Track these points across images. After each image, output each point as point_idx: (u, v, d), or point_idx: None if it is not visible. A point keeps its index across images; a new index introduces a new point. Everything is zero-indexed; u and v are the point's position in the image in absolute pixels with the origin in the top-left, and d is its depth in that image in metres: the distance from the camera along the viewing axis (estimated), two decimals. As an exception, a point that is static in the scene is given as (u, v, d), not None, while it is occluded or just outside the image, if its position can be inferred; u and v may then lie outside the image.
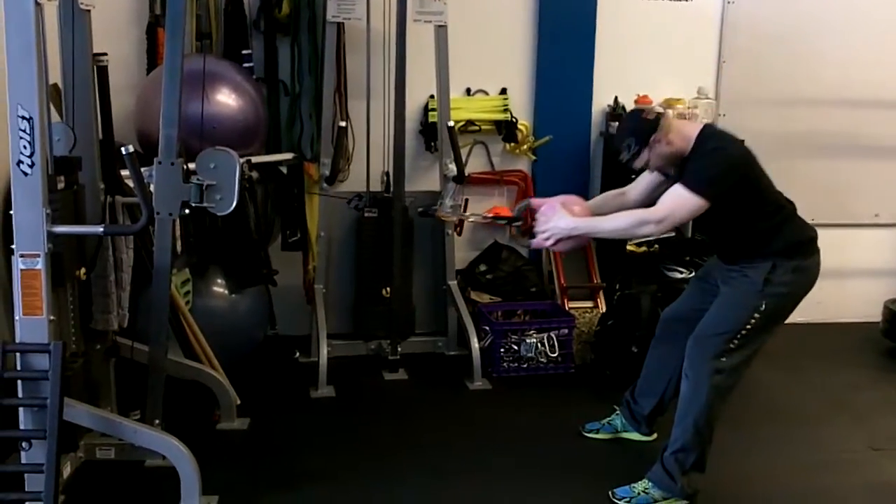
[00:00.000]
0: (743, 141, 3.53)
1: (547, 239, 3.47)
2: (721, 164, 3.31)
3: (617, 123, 5.33)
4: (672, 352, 3.75)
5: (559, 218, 3.46)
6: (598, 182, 5.54)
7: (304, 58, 5.03)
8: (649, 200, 3.53)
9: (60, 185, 3.21)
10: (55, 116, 3.57)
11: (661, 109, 3.39)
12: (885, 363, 5.39)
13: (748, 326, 3.35)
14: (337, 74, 4.90)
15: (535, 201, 3.72)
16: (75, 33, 3.47)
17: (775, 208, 3.44)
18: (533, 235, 3.59)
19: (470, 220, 3.70)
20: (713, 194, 3.26)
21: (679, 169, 3.41)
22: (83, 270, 3.47)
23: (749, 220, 3.40)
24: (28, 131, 2.89)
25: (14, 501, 3.04)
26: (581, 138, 5.53)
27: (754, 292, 3.35)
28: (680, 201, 3.28)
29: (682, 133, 3.40)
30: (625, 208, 3.56)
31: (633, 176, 5.15)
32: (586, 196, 5.49)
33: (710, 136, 3.40)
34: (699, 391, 3.41)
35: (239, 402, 4.14)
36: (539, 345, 4.93)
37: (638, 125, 3.46)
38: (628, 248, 5.34)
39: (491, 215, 3.73)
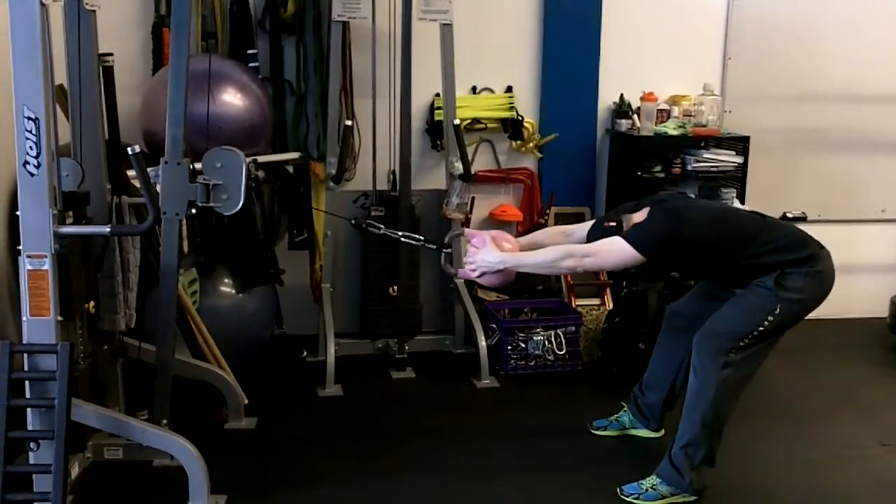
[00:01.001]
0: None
1: (473, 270, 3.50)
2: (656, 228, 3.35)
3: (624, 121, 5.34)
4: (679, 345, 3.76)
5: (486, 252, 3.47)
6: (605, 179, 5.55)
7: (309, 57, 5.04)
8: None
9: (69, 221, 3.19)
10: (61, 117, 3.57)
11: (621, 216, 3.46)
12: (892, 358, 5.37)
13: (760, 328, 3.34)
14: (342, 73, 4.90)
15: (468, 232, 3.73)
16: (81, 34, 3.47)
17: (740, 247, 3.40)
18: (461, 266, 3.62)
19: (402, 240, 3.75)
20: (646, 250, 3.30)
21: None
22: (92, 304, 3.49)
23: (724, 265, 3.43)
24: (34, 132, 2.90)
25: (22, 502, 3.05)
26: (587, 136, 5.53)
27: (770, 296, 3.33)
28: (612, 246, 3.34)
29: (634, 221, 3.45)
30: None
31: (640, 173, 5.18)
32: (592, 195, 5.57)
33: (656, 208, 3.45)
34: (707, 386, 3.41)
35: (246, 401, 4.15)
36: (546, 342, 4.92)
37: (602, 235, 3.47)
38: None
39: (422, 238, 3.78)
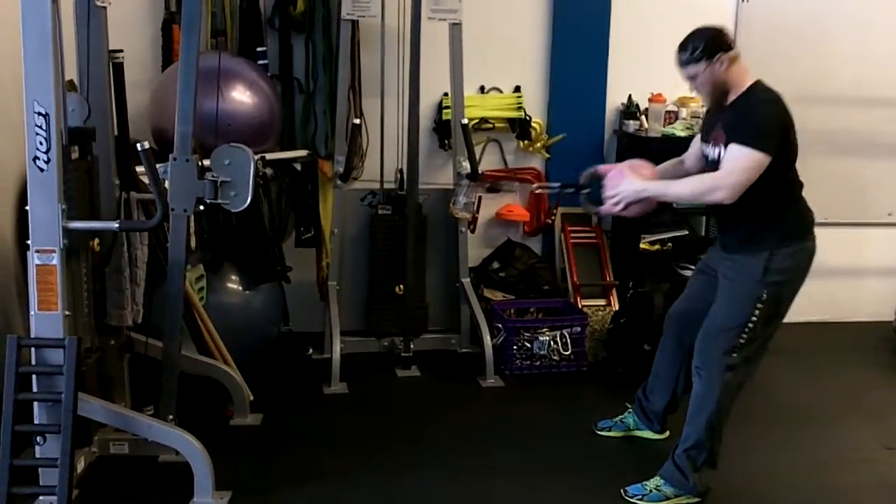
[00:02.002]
0: None
1: (616, 203, 3.45)
2: (775, 118, 3.29)
3: (631, 122, 5.34)
4: (680, 348, 3.76)
5: (628, 182, 3.43)
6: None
7: (318, 55, 5.05)
8: (701, 169, 3.51)
9: (74, 156, 3.23)
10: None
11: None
12: (898, 362, 5.37)
13: (753, 318, 3.34)
14: (351, 72, 4.90)
15: (602, 168, 3.67)
16: (91, 30, 3.49)
17: (793, 181, 3.41)
18: (601, 202, 3.57)
19: (537, 191, 3.71)
20: (772, 147, 3.22)
21: (715, 102, 3.45)
22: (97, 241, 3.49)
23: (768, 188, 3.31)
24: (44, 127, 2.92)
25: (28, 495, 3.07)
26: (595, 136, 5.53)
27: (754, 282, 3.33)
28: (743, 161, 3.21)
29: (742, 72, 3.40)
30: (684, 177, 3.51)
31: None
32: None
33: (763, 90, 3.38)
34: (711, 389, 3.41)
35: (252, 398, 4.16)
36: (552, 342, 4.93)
37: (715, 36, 3.43)
38: (641, 246, 5.34)
39: (558, 185, 3.71)
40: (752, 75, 3.43)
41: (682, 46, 3.47)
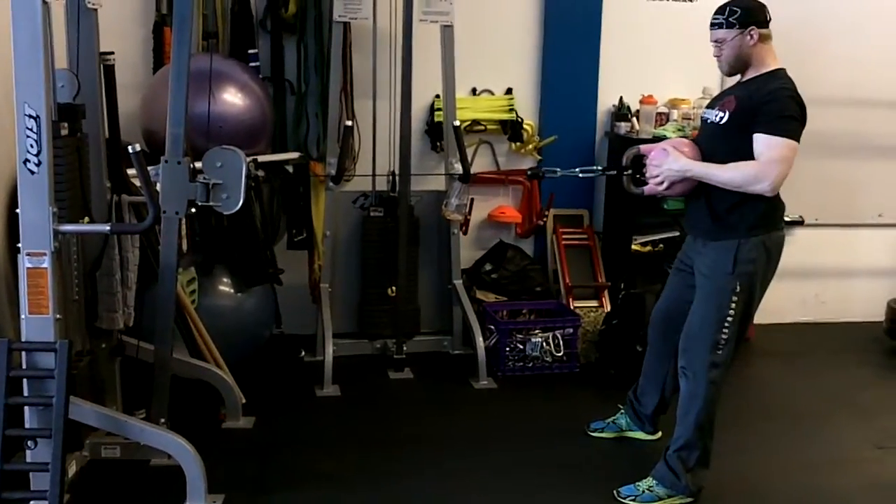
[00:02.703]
0: None
1: (660, 183, 3.45)
2: (797, 106, 3.30)
3: (623, 124, 5.34)
4: (666, 348, 3.77)
5: (672, 160, 3.42)
6: (603, 181, 5.55)
7: (310, 57, 5.05)
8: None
9: (64, 132, 3.22)
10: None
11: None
12: (888, 362, 5.38)
13: (731, 311, 3.36)
14: (343, 74, 4.90)
15: (644, 147, 3.66)
16: (82, 32, 3.48)
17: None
18: (644, 182, 3.57)
19: (580, 175, 3.70)
20: (799, 133, 3.25)
21: (736, 73, 3.48)
22: (87, 219, 3.47)
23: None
24: (35, 130, 2.90)
25: (19, 500, 3.04)
26: (586, 138, 5.54)
27: (726, 276, 3.35)
28: (780, 150, 3.23)
29: (769, 53, 3.43)
30: None
31: (639, 176, 5.16)
32: (590, 197, 5.58)
33: (786, 78, 3.41)
34: (698, 388, 3.43)
35: (244, 400, 4.15)
36: (544, 344, 4.93)
37: (754, 7, 3.43)
38: (633, 247, 5.35)
39: (600, 168, 3.71)
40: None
41: (720, 9, 3.47)
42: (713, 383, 3.42)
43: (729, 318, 3.37)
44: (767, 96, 3.31)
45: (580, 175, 3.75)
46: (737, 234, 3.35)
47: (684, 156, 3.45)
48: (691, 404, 3.45)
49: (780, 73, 3.41)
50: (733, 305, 3.36)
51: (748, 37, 3.38)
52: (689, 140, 3.64)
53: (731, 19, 3.40)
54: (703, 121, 3.57)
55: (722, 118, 3.38)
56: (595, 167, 3.71)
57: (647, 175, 3.53)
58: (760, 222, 3.37)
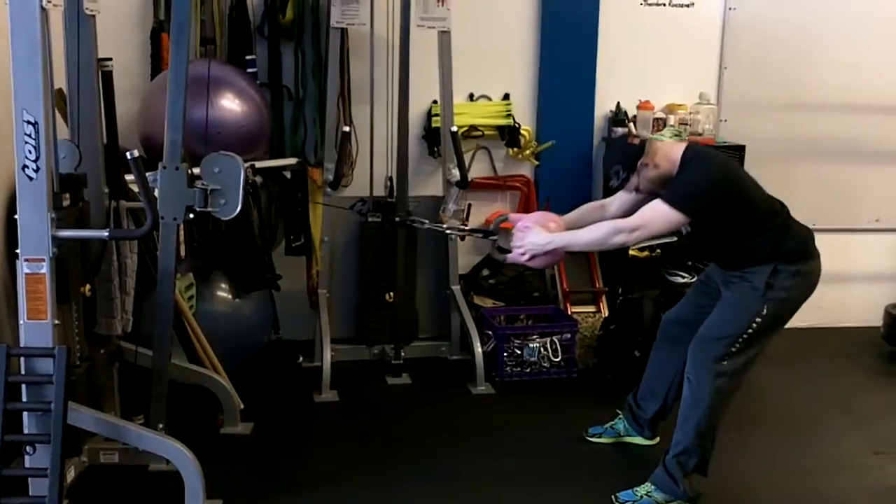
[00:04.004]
0: (729, 156, 3.54)
1: (522, 254, 3.51)
2: (700, 182, 3.34)
3: (620, 129, 5.36)
4: (673, 355, 3.77)
5: (534, 234, 3.49)
6: (601, 187, 5.54)
7: (307, 63, 5.04)
8: (629, 213, 3.54)
9: (66, 203, 3.22)
10: (60, 122, 3.57)
11: (646, 135, 3.46)
12: (886, 367, 5.39)
13: (749, 330, 3.36)
14: (340, 80, 4.91)
15: (512, 216, 3.75)
16: (80, 38, 3.48)
17: (766, 219, 3.44)
18: (509, 250, 3.63)
19: (447, 231, 3.77)
20: (691, 209, 3.30)
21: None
22: (87, 287, 3.48)
23: (741, 233, 3.42)
24: (33, 136, 2.90)
25: (18, 505, 3.05)
26: (584, 143, 5.54)
27: (756, 297, 3.36)
28: (656, 213, 3.32)
29: (668, 156, 3.43)
30: (604, 220, 3.57)
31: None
32: (588, 202, 5.56)
33: (693, 157, 3.42)
34: (701, 394, 3.42)
35: (242, 406, 4.15)
36: (542, 349, 4.93)
37: (624, 152, 3.53)
38: (631, 252, 5.35)
39: (468, 229, 3.78)
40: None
41: (608, 176, 3.63)
42: (718, 391, 3.41)
43: (744, 336, 3.37)
44: (677, 176, 3.39)
45: (447, 232, 3.82)
46: (773, 262, 3.37)
47: (548, 230, 3.52)
48: (693, 410, 3.45)
49: (688, 155, 3.42)
50: (754, 325, 3.36)
51: (645, 167, 3.44)
52: (555, 216, 3.69)
53: (622, 175, 3.54)
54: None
55: (688, 230, 3.49)
56: (461, 227, 3.80)
57: (512, 244, 3.59)
58: (791, 254, 3.39)
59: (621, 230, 3.36)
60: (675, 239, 5.30)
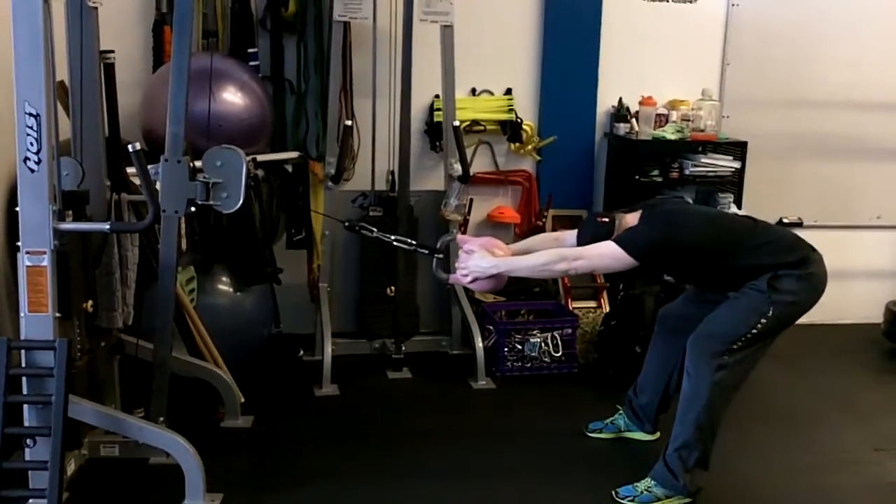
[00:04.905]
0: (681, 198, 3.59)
1: (465, 276, 3.52)
2: (647, 233, 3.39)
3: (622, 125, 5.35)
4: (672, 347, 3.78)
5: (479, 258, 3.50)
6: (602, 182, 5.56)
7: (310, 57, 5.04)
8: None
9: (69, 220, 3.20)
10: (62, 115, 3.57)
11: (614, 213, 3.53)
12: (887, 364, 5.40)
13: (753, 331, 3.36)
14: (343, 73, 4.90)
15: (460, 238, 3.76)
16: (83, 31, 3.48)
17: (728, 252, 3.44)
18: (450, 271, 3.64)
19: (394, 243, 3.78)
20: (637, 255, 3.33)
21: None
22: (90, 303, 3.48)
23: (715, 269, 3.46)
24: (35, 128, 2.90)
25: (18, 498, 3.05)
26: (586, 139, 5.54)
27: (762, 299, 3.35)
28: (605, 250, 3.37)
29: (629, 223, 3.48)
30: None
31: (637, 177, 5.18)
32: (589, 197, 5.58)
33: (649, 213, 3.49)
34: (701, 388, 3.42)
35: (243, 399, 4.15)
36: (542, 344, 4.93)
37: (595, 230, 3.51)
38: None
39: (414, 242, 3.79)
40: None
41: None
42: (718, 385, 3.41)
43: (747, 336, 3.37)
44: None
45: (394, 243, 3.82)
46: (773, 269, 3.36)
47: (493, 256, 3.52)
48: (692, 404, 3.44)
49: (642, 218, 3.48)
50: (759, 326, 3.35)
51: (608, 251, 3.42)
52: (500, 242, 3.68)
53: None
54: None
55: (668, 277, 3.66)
56: (409, 240, 3.79)
57: (456, 265, 3.61)
58: (789, 265, 3.39)
59: (565, 258, 3.42)
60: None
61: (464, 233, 5.20)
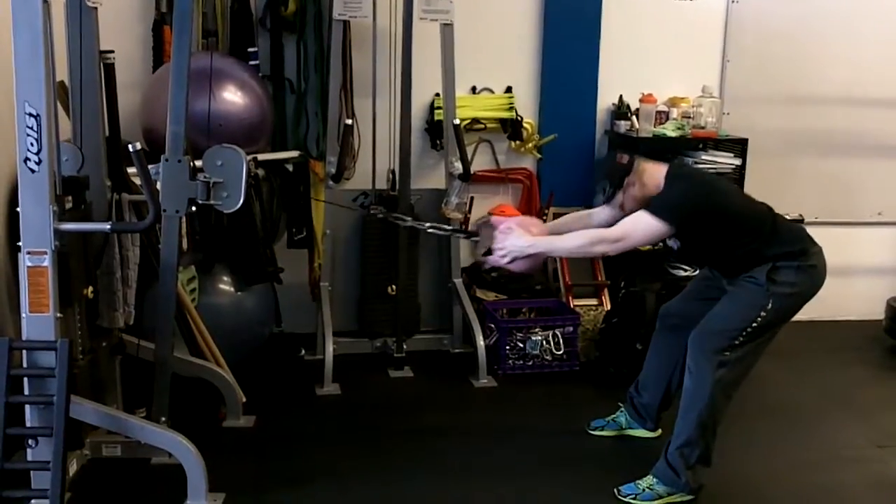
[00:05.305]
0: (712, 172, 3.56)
1: (503, 257, 3.51)
2: (681, 195, 3.38)
3: (622, 122, 5.35)
4: (673, 344, 3.78)
5: (517, 237, 3.49)
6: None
7: (310, 55, 5.04)
8: (615, 223, 3.56)
9: (68, 205, 3.21)
10: (62, 115, 3.57)
11: (635, 157, 3.50)
12: (888, 360, 5.39)
13: (754, 324, 3.36)
14: (343, 72, 4.90)
15: (494, 219, 3.74)
16: (82, 31, 3.48)
17: (755, 229, 3.44)
18: (490, 252, 3.62)
19: (429, 230, 3.77)
20: (674, 220, 3.32)
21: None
22: (90, 289, 3.48)
23: (731, 244, 3.44)
24: (35, 128, 2.90)
25: (21, 499, 3.05)
26: (586, 137, 5.54)
27: (761, 292, 3.35)
28: (640, 224, 3.34)
29: (653, 176, 3.46)
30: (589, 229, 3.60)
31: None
32: (590, 195, 5.53)
33: (676, 174, 3.47)
34: (703, 385, 3.42)
35: (245, 399, 4.15)
36: (544, 342, 4.93)
37: (612, 169, 3.54)
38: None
39: (450, 228, 3.78)
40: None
41: (602, 192, 3.60)
42: (720, 382, 3.41)
43: (748, 330, 3.37)
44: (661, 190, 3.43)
45: (429, 230, 3.82)
46: (771, 259, 3.37)
47: (530, 234, 3.53)
48: (695, 401, 3.44)
49: (671, 173, 3.47)
50: (759, 319, 3.36)
51: (631, 186, 3.46)
52: (537, 220, 3.69)
53: (608, 192, 3.54)
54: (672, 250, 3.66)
55: (678, 245, 3.53)
56: (444, 226, 3.79)
57: (493, 246, 3.58)
58: (788, 255, 3.39)
59: (604, 239, 3.40)
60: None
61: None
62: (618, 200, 3.52)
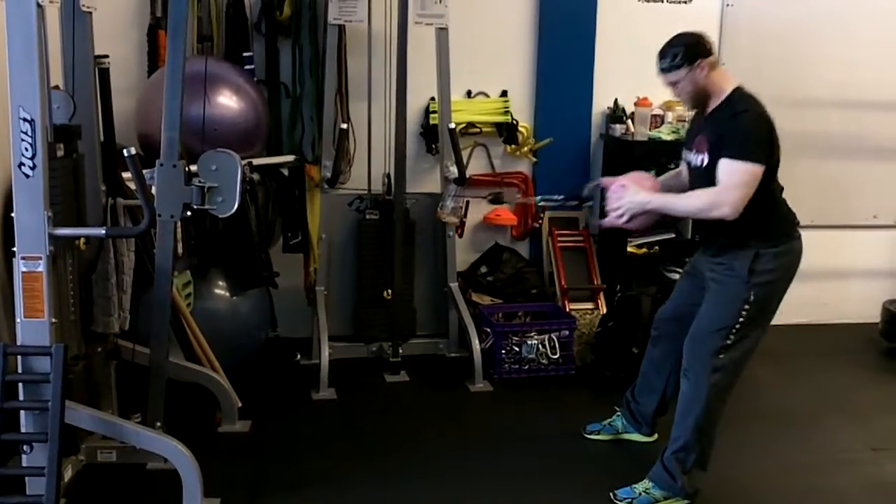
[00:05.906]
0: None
1: (620, 216, 3.45)
2: (761, 127, 3.32)
3: (618, 126, 5.36)
4: (669, 350, 3.77)
5: (633, 193, 3.44)
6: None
7: (305, 60, 5.04)
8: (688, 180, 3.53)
9: (60, 153, 3.21)
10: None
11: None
12: (883, 364, 5.40)
13: (741, 319, 3.36)
14: (338, 76, 4.90)
15: (605, 180, 3.68)
16: (77, 35, 3.47)
17: (773, 187, 3.43)
18: (604, 215, 3.57)
19: (540, 203, 3.73)
20: (763, 157, 3.26)
21: (697, 108, 3.50)
22: (83, 240, 3.47)
23: (755, 205, 3.30)
24: (30, 133, 2.89)
25: (15, 504, 3.04)
26: (581, 140, 5.53)
27: (741, 284, 3.35)
28: (739, 175, 3.23)
29: (722, 77, 3.40)
30: (684, 189, 3.54)
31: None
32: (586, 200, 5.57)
33: (743, 98, 3.38)
34: (699, 390, 3.42)
35: (240, 404, 4.14)
36: (540, 346, 4.93)
37: (694, 42, 3.43)
38: (629, 249, 5.35)
39: (561, 197, 3.72)
40: (736, 80, 3.44)
41: (662, 53, 3.48)
42: (715, 386, 3.41)
43: (737, 327, 3.37)
44: (730, 123, 3.33)
45: (540, 203, 3.78)
46: (753, 247, 3.35)
47: (645, 189, 3.49)
48: (691, 406, 3.45)
49: (737, 96, 3.39)
50: (744, 314, 3.35)
51: (698, 70, 3.39)
52: (649, 174, 3.63)
53: (676, 61, 3.42)
54: (687, 164, 3.59)
55: (703, 161, 3.39)
56: (558, 196, 3.73)
57: (608, 207, 3.54)
58: (776, 234, 3.40)
59: (722, 204, 3.22)
60: (673, 235, 5.33)
61: (460, 236, 5.20)
62: (679, 74, 3.40)
